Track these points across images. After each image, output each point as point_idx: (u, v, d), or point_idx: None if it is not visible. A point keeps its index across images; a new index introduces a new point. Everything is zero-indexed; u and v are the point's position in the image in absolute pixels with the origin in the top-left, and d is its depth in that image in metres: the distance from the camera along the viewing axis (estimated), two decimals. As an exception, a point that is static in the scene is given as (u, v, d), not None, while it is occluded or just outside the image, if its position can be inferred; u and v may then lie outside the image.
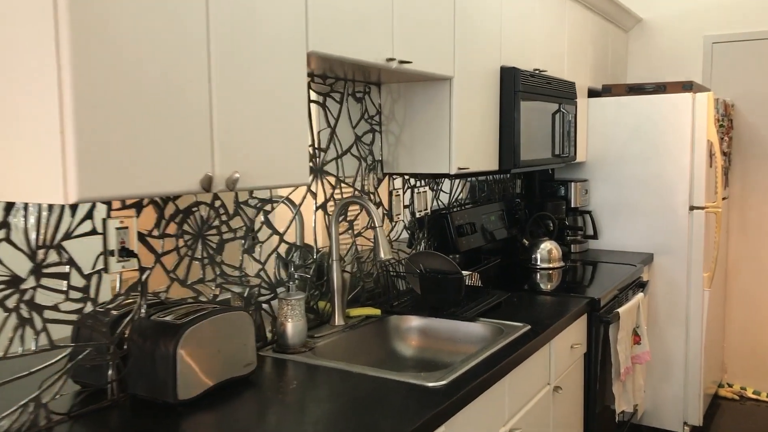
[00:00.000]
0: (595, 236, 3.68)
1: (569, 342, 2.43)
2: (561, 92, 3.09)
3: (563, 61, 3.31)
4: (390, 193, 2.58)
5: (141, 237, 1.64)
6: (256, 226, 1.97)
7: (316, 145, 2.19)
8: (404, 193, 2.67)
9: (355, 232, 2.40)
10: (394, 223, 2.61)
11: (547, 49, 3.10)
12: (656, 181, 3.54)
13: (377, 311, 2.31)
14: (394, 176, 2.61)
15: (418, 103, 2.42)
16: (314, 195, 2.19)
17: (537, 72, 2.92)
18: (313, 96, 2.18)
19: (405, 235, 2.69)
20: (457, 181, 3.08)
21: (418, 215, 2.75)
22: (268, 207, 2.01)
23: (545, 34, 3.08)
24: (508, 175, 3.58)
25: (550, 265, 3.19)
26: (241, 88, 1.45)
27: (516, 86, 2.66)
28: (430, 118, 2.40)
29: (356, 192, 2.39)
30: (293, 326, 1.94)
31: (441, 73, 2.23)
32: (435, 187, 2.90)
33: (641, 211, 3.58)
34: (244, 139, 1.47)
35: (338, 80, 2.28)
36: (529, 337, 2.10)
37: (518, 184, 3.69)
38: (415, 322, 2.33)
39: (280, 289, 2.05)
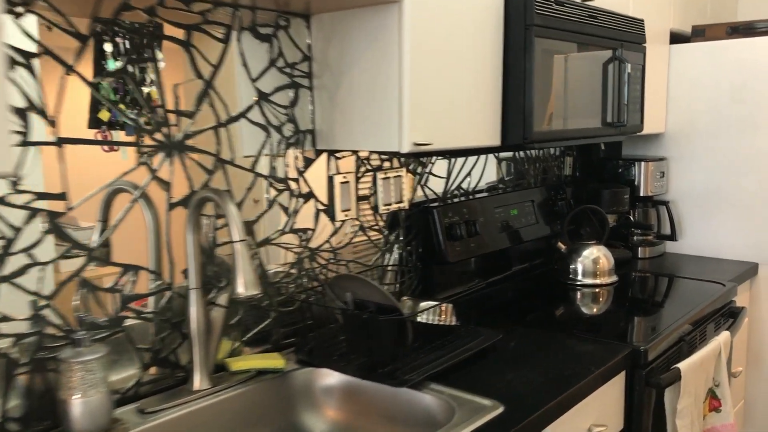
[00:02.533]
0: (673, 237, 2.67)
1: (586, 422, 1.53)
2: (618, 33, 2.12)
3: (627, -11, 2.32)
4: (330, 179, 1.76)
5: None
6: (33, 236, 1.22)
7: (167, 107, 1.40)
8: (359, 178, 1.84)
9: (260, 238, 1.60)
10: (338, 225, 1.79)
11: (597, -32, 2.13)
12: (767, 161, 2.49)
13: (279, 362, 1.51)
14: (338, 154, 1.78)
15: (356, 44, 1.57)
16: (166, 185, 1.41)
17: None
18: (168, 29, 1.38)
19: (369, 240, 1.86)
20: (458, 159, 2.20)
21: (384, 210, 1.91)
22: (55, 206, 1.25)
23: (594, -54, 2.11)
24: (555, 152, 2.64)
25: (596, 281, 2.26)
26: None
27: (528, 17, 1.74)
28: (373, 66, 1.54)
29: (258, 179, 1.59)
30: (83, 404, 1.19)
31: (372, -11, 1.37)
32: (420, 170, 2.04)
33: (743, 202, 2.54)
34: None
35: (222, 5, 1.47)
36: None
37: (567, 163, 2.74)
38: (334, 380, 1.52)
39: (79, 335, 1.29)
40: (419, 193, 2.05)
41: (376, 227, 1.91)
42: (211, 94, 1.47)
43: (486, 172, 2.32)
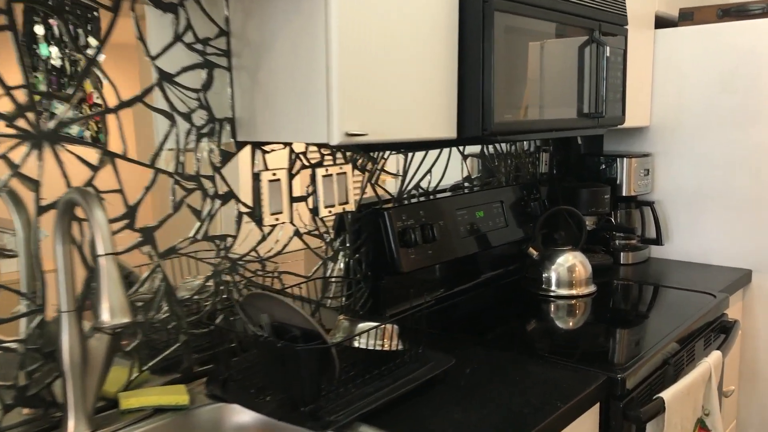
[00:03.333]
0: (658, 241, 2.43)
1: (550, 469, 1.28)
2: (595, 11, 1.87)
3: (607, -37, 2.07)
4: (255, 177, 1.50)
5: None
6: None
7: (36, 88, 1.14)
8: (293, 175, 1.58)
9: (163, 248, 1.34)
10: (266, 230, 1.53)
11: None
12: (762, 157, 2.25)
13: (182, 398, 1.25)
14: (266, 147, 1.52)
15: (277, 15, 1.32)
16: (34, 184, 1.15)
17: (545, -28, 1.72)
18: (34, -7, 1.12)
19: (302, 247, 1.60)
20: (417, 154, 1.95)
21: (325, 213, 1.65)
22: None
23: None
24: (529, 147, 2.40)
25: (572, 292, 2.01)
26: None
27: (487, -11, 1.49)
28: (296, 41, 1.29)
29: (160, 175, 1.33)
30: None
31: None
32: (370, 166, 1.79)
33: (735, 202, 2.30)
34: None
35: (107, -33, 1.21)
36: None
37: (543, 160, 2.49)
38: (248, 419, 1.26)
39: None
40: (370, 192, 1.80)
41: (316, 232, 1.66)
42: (94, 73, 1.21)
43: (450, 170, 2.07)
